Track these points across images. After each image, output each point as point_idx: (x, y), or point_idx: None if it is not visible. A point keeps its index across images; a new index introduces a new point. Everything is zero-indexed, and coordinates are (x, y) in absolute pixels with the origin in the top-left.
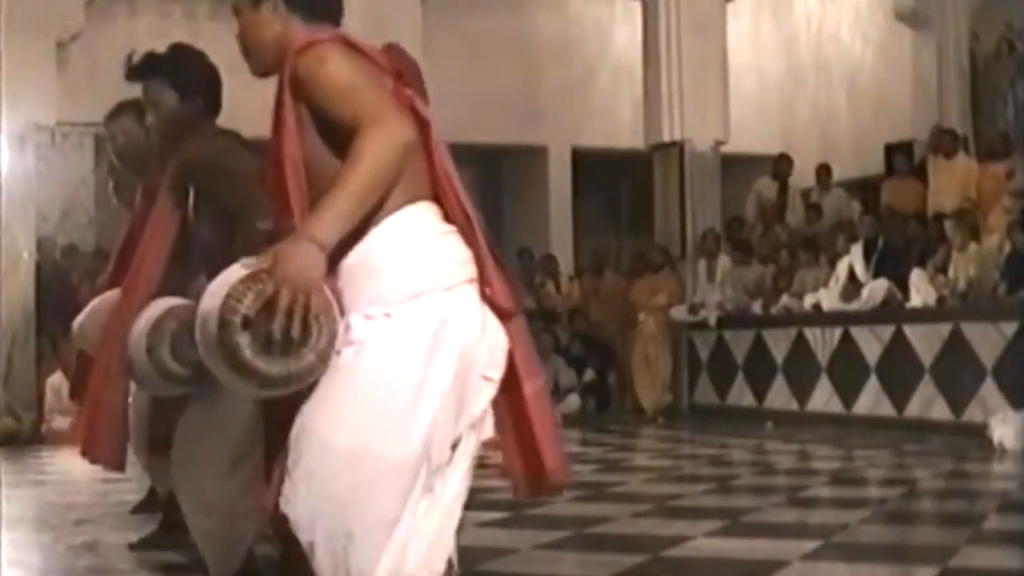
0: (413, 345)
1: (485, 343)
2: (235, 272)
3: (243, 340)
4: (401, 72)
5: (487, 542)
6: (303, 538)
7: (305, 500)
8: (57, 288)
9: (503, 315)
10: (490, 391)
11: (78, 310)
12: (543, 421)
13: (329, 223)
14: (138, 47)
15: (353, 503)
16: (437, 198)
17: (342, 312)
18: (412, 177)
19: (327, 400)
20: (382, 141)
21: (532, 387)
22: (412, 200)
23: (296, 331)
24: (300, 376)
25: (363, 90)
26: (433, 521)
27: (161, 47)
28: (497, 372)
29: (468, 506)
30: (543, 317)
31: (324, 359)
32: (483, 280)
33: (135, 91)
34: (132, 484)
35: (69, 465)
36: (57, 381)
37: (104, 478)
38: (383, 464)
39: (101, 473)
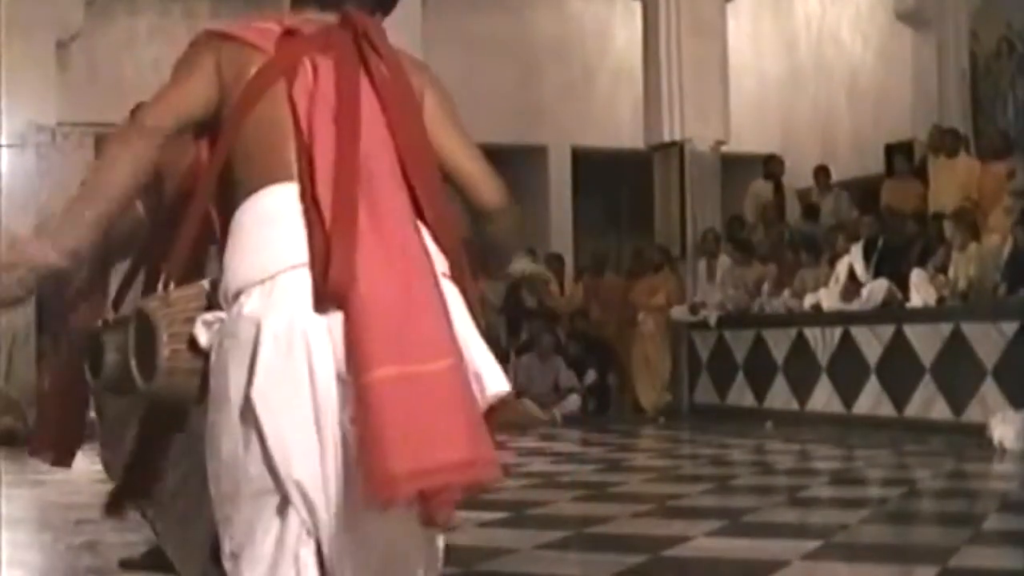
0: (226, 352)
1: (328, 334)
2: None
3: (132, 363)
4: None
5: (487, 542)
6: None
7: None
8: (58, 288)
9: (331, 298)
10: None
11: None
12: (380, 416)
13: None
14: (138, 47)
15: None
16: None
17: None
18: (271, 161)
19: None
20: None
21: (368, 377)
22: (260, 187)
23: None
24: (166, 393)
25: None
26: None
27: (161, 47)
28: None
29: (467, 506)
30: (545, 317)
31: (173, 374)
32: (312, 263)
33: (135, 91)
34: None
35: None
36: None
37: (105, 478)
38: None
39: (101, 473)
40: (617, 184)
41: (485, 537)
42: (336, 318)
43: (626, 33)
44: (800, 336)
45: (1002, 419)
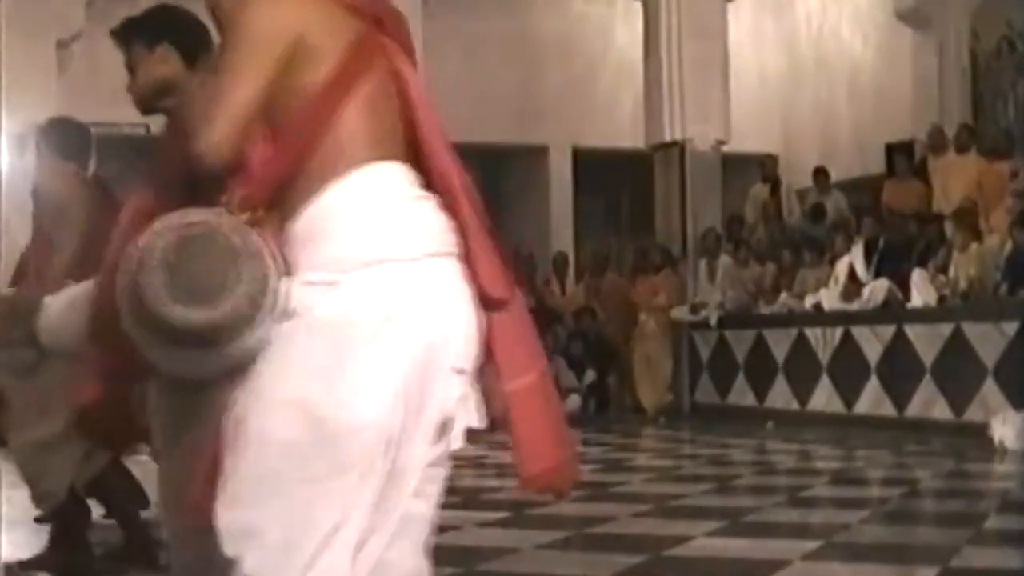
0: (363, 316)
1: (459, 328)
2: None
3: (157, 281)
4: (380, 19)
5: (488, 542)
6: (230, 550)
7: (248, 503)
8: None
9: (489, 303)
10: (461, 385)
11: None
12: (527, 421)
13: None
14: None
15: (300, 500)
16: (418, 162)
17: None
18: (379, 135)
19: (262, 380)
20: None
21: (516, 384)
22: (376, 159)
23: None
24: (215, 327)
25: None
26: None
27: None
28: (469, 363)
29: (468, 506)
30: (546, 316)
31: (239, 312)
32: (469, 259)
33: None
34: None
35: None
36: None
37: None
38: (334, 437)
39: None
40: (618, 184)
41: (485, 537)
42: (466, 314)
43: (627, 33)
44: (801, 336)
45: (1003, 419)
